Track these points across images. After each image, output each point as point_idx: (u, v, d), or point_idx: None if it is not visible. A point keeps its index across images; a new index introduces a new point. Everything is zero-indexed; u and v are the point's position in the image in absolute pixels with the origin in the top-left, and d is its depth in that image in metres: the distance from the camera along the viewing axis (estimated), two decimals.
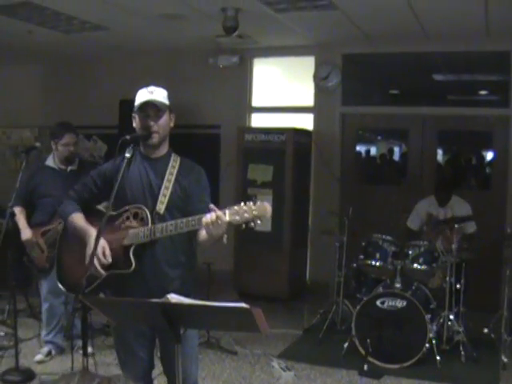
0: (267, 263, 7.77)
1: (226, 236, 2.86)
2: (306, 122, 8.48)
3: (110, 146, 8.94)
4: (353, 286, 6.32)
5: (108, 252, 3.15)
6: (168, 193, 3.19)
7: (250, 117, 8.88)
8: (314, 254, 8.45)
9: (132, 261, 3.09)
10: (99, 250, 3.10)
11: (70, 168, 5.39)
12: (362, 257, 6.05)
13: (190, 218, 2.94)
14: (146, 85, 3.31)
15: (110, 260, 3.14)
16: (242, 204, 2.68)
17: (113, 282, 3.19)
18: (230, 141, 8.40)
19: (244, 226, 2.68)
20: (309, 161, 8.39)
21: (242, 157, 8.03)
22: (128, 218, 3.18)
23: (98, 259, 3.11)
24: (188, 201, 3.18)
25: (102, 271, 3.12)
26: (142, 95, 3.22)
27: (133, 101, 3.30)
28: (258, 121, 8.90)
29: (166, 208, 3.17)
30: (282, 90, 8.78)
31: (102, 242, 3.12)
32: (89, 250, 3.14)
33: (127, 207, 3.21)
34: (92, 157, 9.08)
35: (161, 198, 3.18)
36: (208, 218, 2.79)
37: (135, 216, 3.17)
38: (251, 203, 2.65)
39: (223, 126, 8.77)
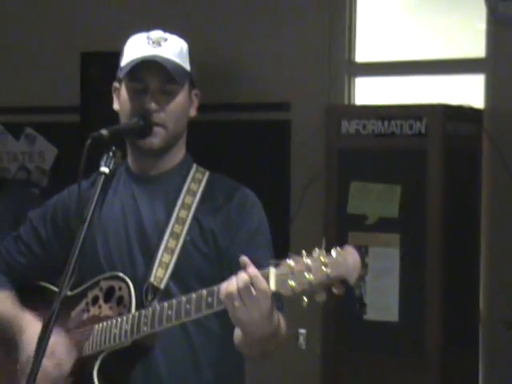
0: None
1: (306, 300, 1.84)
2: (469, 91, 6.09)
3: (64, 148, 6.70)
4: None
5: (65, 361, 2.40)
6: (178, 245, 2.23)
7: (350, 85, 6.33)
8: (492, 363, 5.63)
9: None
10: (47, 362, 2.17)
11: None
12: None
13: (203, 291, 1.99)
14: (141, 27, 2.45)
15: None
16: (304, 255, 1.79)
17: None
18: (311, 134, 5.94)
19: (306, 299, 1.78)
20: (477, 170, 5.72)
21: (335, 167, 5.73)
22: (96, 301, 2.34)
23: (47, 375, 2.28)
24: (223, 258, 2.22)
25: None
26: (138, 47, 2.27)
27: (111, 54, 3.00)
28: (364, 94, 6.41)
29: (173, 276, 2.20)
30: (414, 32, 6.40)
31: (53, 344, 2.15)
32: (24, 359, 2.39)
33: (96, 279, 2.36)
34: (25, 171, 6.75)
35: (161, 255, 2.22)
36: (231, 284, 1.91)
37: (108, 294, 2.28)
38: (319, 252, 1.78)
39: (296, 104, 6.14)
